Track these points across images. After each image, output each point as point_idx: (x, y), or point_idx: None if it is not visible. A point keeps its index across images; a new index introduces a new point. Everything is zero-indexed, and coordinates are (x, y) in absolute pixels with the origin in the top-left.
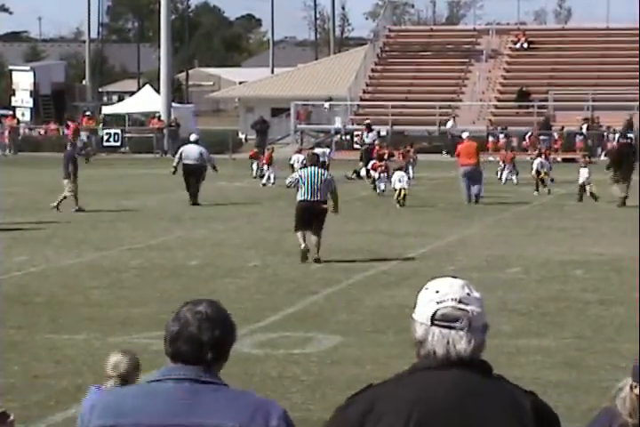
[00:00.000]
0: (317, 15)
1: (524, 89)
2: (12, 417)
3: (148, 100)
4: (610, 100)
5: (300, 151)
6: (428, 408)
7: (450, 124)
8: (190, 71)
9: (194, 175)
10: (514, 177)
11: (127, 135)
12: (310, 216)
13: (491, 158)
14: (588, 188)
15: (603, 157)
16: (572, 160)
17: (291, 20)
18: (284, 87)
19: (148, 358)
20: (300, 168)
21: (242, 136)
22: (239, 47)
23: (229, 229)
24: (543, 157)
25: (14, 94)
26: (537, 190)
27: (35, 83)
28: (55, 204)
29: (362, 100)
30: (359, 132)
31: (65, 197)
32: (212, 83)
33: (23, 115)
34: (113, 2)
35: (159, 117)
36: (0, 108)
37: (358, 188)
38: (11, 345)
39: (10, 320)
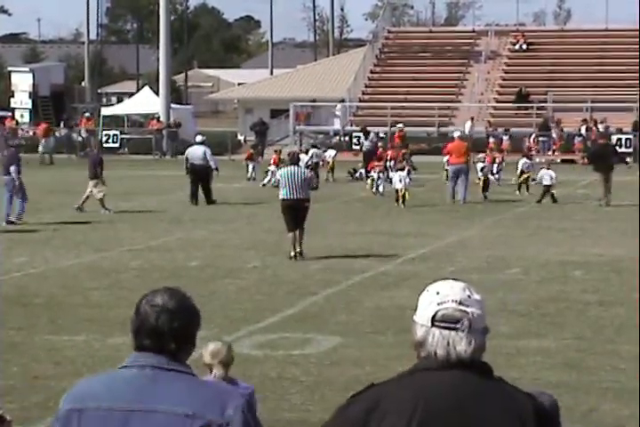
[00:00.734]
0: (316, 16)
1: (523, 90)
2: (8, 418)
3: (147, 102)
4: (609, 101)
5: (305, 152)
6: (429, 409)
7: (468, 124)
8: (189, 72)
9: (199, 175)
10: (495, 177)
11: (126, 136)
12: (295, 213)
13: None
14: (552, 190)
15: None
16: (572, 162)
17: (290, 22)
18: (283, 88)
19: None
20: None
21: (241, 137)
22: (238, 48)
23: (229, 230)
24: (527, 157)
25: (13, 96)
26: (519, 191)
27: (34, 84)
28: (102, 210)
29: (361, 101)
30: (359, 134)
31: (101, 199)
32: (211, 84)
33: (22, 116)
34: (112, 3)
35: (158, 119)
36: None
37: (358, 189)
38: (10, 346)
39: (9, 321)
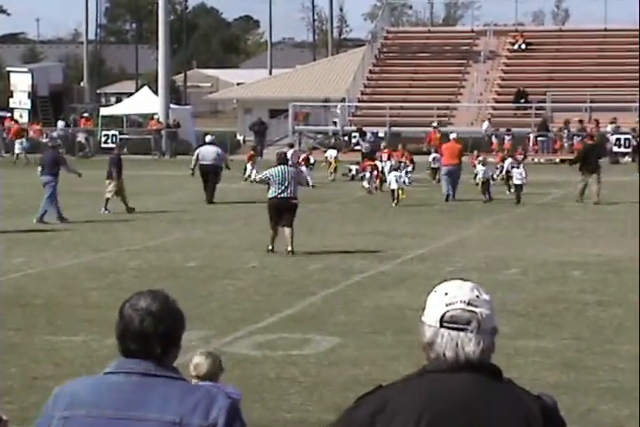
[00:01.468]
0: (315, 16)
1: (522, 90)
2: (5, 418)
3: (146, 102)
4: (608, 101)
5: (333, 147)
6: (437, 411)
7: (485, 125)
8: (188, 72)
9: (211, 175)
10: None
11: (125, 137)
12: (281, 212)
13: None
14: (523, 188)
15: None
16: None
17: (289, 22)
18: (282, 88)
19: None
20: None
21: (240, 137)
22: (237, 48)
23: (227, 230)
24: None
25: (12, 96)
26: (509, 190)
27: (33, 84)
28: (103, 209)
29: (360, 101)
30: (356, 134)
31: (108, 199)
32: (210, 84)
33: (21, 116)
34: (111, 3)
35: (157, 119)
36: None
37: (356, 189)
38: (9, 347)
39: (8, 322)
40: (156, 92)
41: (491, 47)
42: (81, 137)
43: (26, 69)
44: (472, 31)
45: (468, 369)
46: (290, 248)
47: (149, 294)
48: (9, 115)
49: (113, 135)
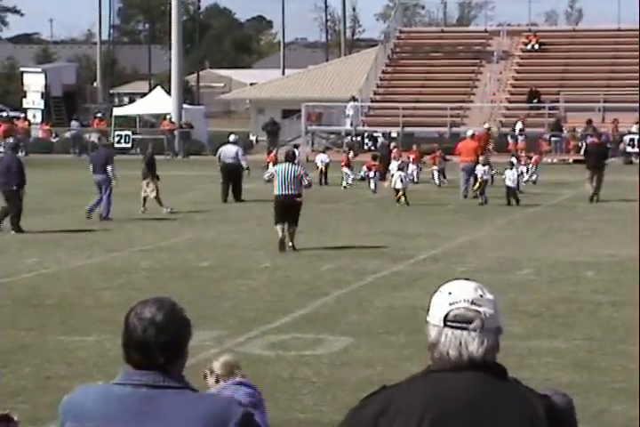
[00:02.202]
0: (328, 17)
1: (534, 90)
2: (16, 418)
3: (158, 102)
4: (621, 101)
5: (323, 151)
6: (441, 410)
7: (519, 125)
8: (201, 73)
9: (231, 174)
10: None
11: (138, 137)
12: (287, 209)
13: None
14: (515, 191)
15: (612, 159)
16: (582, 162)
17: (301, 22)
18: (294, 89)
19: None
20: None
21: (253, 138)
22: (250, 49)
23: (240, 230)
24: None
25: (25, 96)
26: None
27: (46, 84)
28: (142, 209)
29: (373, 101)
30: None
31: (145, 198)
32: (222, 84)
33: (34, 116)
34: (124, 4)
35: (170, 119)
36: (11, 109)
37: (367, 189)
38: (22, 347)
39: (21, 322)
40: (168, 93)
41: (504, 47)
42: (94, 137)
43: (39, 70)
44: (485, 31)
45: (471, 368)
46: (291, 244)
47: (155, 303)
48: (22, 115)
49: (126, 135)
